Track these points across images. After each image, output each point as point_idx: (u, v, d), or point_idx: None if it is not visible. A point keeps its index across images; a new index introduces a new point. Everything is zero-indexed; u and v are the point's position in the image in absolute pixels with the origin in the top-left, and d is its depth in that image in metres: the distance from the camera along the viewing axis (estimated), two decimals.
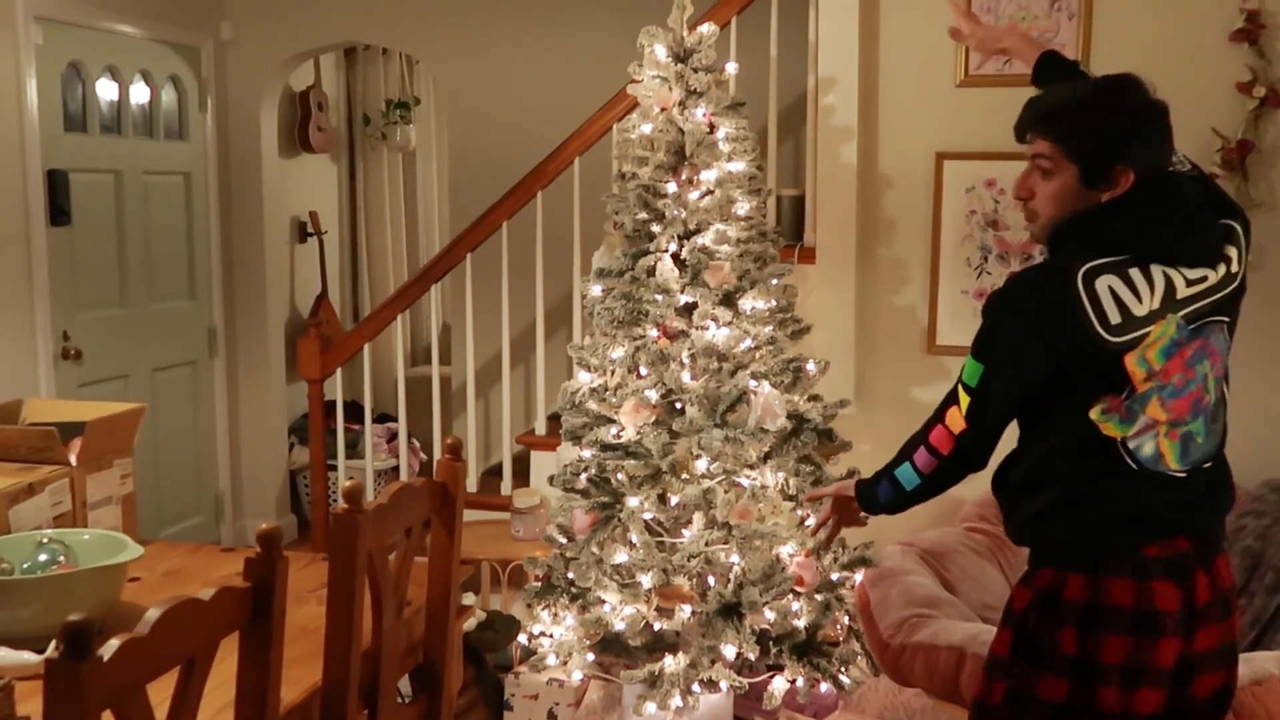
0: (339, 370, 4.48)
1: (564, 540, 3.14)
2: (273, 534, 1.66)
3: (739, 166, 3.14)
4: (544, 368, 4.11)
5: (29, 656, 1.92)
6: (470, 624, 3.31)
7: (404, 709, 2.21)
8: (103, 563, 2.06)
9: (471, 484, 4.19)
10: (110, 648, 1.40)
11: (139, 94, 4.53)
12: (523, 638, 3.32)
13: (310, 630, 2.10)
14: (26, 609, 1.98)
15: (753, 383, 3.03)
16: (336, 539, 1.88)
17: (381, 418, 5.51)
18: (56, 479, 2.39)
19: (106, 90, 4.38)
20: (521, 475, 4.12)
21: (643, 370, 3.08)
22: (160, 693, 1.52)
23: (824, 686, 2.99)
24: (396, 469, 4.66)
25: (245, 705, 1.69)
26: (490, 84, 4.80)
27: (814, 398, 3.17)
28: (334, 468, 4.57)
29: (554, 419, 3.90)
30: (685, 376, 3.05)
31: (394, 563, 2.09)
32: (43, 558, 2.12)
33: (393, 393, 4.64)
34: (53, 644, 1.38)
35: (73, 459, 2.45)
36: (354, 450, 4.98)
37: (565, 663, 3.11)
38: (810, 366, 3.16)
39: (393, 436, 5.29)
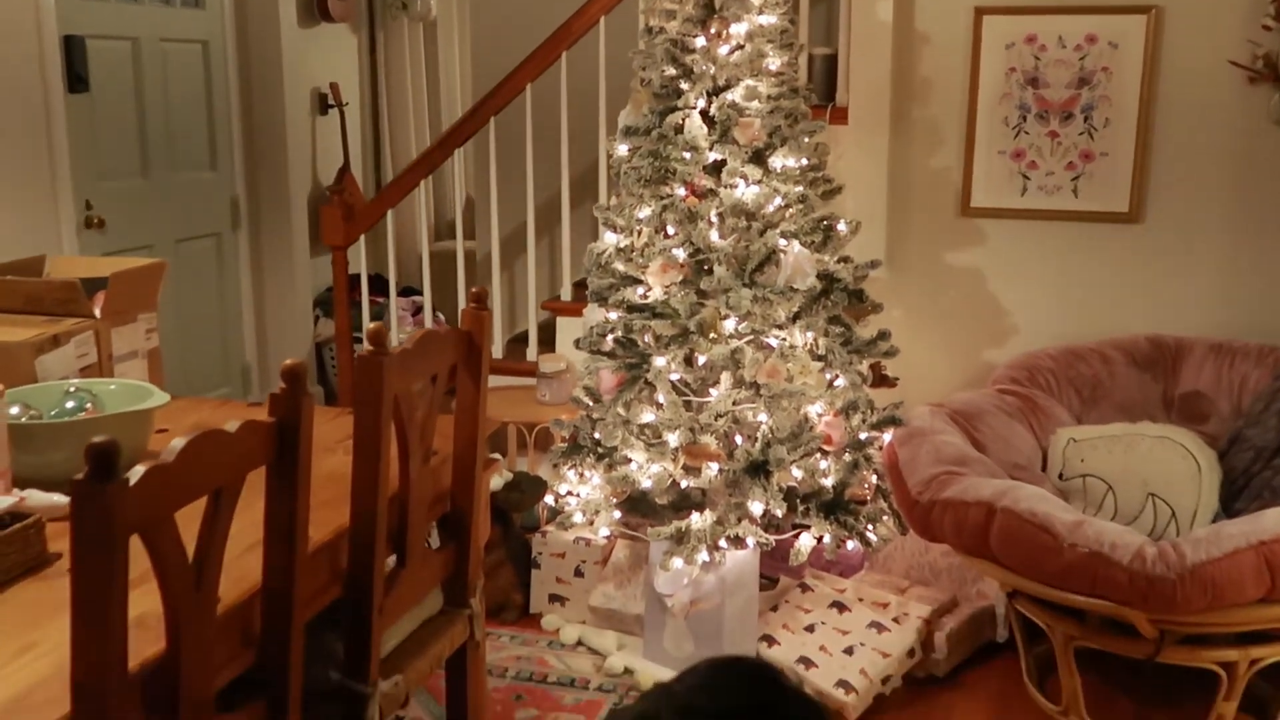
0: (362, 242, 4.44)
1: (590, 402, 3.13)
2: (297, 369, 1.65)
3: (770, 20, 3.03)
4: (569, 235, 4.06)
5: (59, 498, 1.93)
6: (497, 484, 3.32)
7: (432, 554, 2.22)
8: (129, 409, 2.06)
9: (497, 351, 4.18)
10: (136, 473, 1.39)
11: None
12: (549, 499, 3.34)
13: (338, 477, 2.10)
14: (55, 453, 1.99)
15: (782, 242, 2.97)
16: (361, 381, 1.87)
17: (406, 291, 5.48)
18: (81, 331, 2.38)
19: None
20: (547, 342, 4.10)
21: (670, 230, 3.03)
22: (189, 532, 1.52)
23: (850, 544, 2.99)
24: None
25: (273, 540, 1.70)
26: None
27: (844, 259, 3.12)
28: (359, 340, 4.56)
29: (580, 286, 3.86)
30: (713, 235, 2.99)
31: (420, 409, 2.07)
32: (70, 405, 2.12)
33: (417, 267, 4.61)
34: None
35: (97, 311, 2.44)
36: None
37: (592, 521, 3.12)
38: (841, 226, 3.09)
39: (418, 310, 5.27)
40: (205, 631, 1.56)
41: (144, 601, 1.56)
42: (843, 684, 2.86)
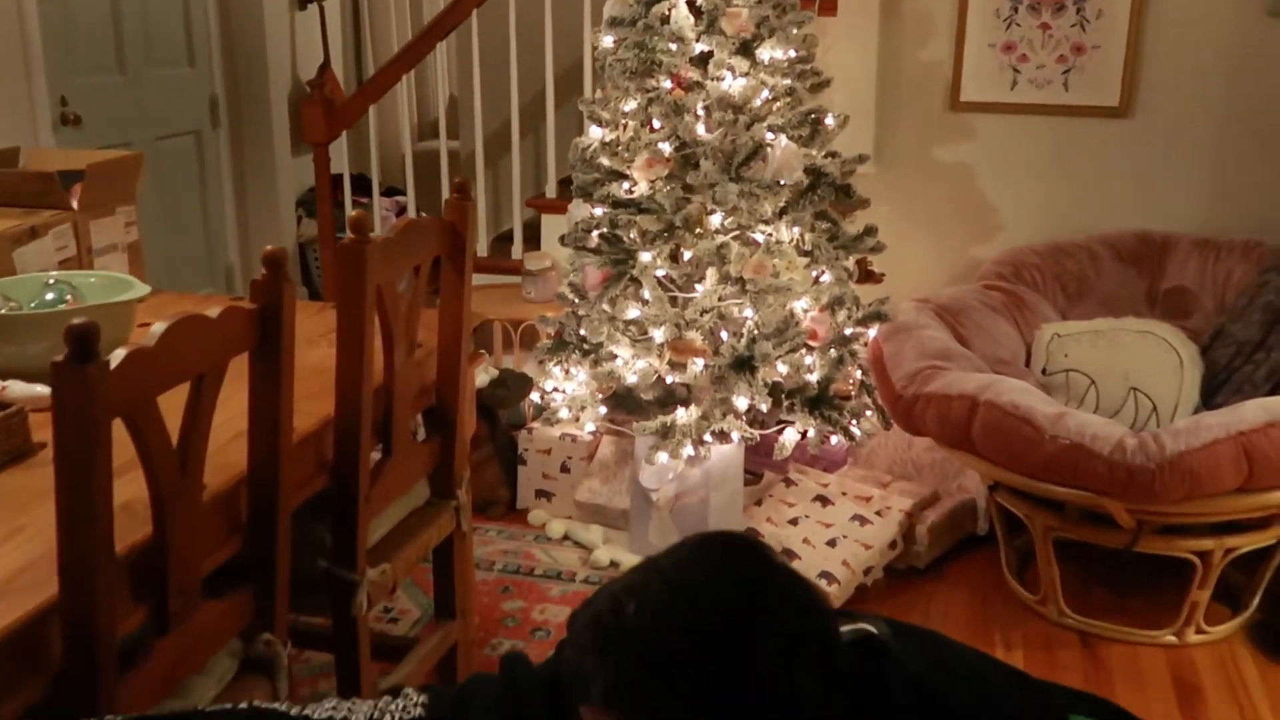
0: (344, 141, 4.37)
1: (575, 298, 3.12)
2: (278, 255, 1.63)
3: None
4: (554, 132, 4.00)
5: (41, 389, 1.92)
6: (482, 380, 3.32)
7: (418, 446, 2.23)
8: (111, 300, 2.05)
9: (482, 249, 4.16)
10: (117, 356, 1.38)
11: None
12: (535, 396, 3.35)
13: (322, 369, 2.09)
14: (36, 344, 1.97)
15: (769, 135, 2.94)
16: (344, 269, 1.85)
17: (389, 191, 5.42)
18: (59, 223, 2.35)
19: None
20: (532, 240, 4.07)
21: (656, 123, 2.99)
22: (172, 421, 1.52)
23: (834, 439, 3.02)
24: None
25: (258, 428, 1.70)
26: None
27: (832, 153, 3.09)
28: (342, 240, 4.51)
29: (565, 183, 3.82)
30: (700, 129, 2.95)
31: (403, 300, 2.06)
32: (49, 296, 2.10)
33: (400, 166, 4.55)
34: None
35: (74, 204, 2.41)
36: None
37: (577, 417, 3.14)
38: (829, 120, 3.05)
39: (401, 210, 5.21)
40: (191, 517, 1.56)
41: (130, 489, 1.56)
42: (825, 575, 2.90)
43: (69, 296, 2.09)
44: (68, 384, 1.30)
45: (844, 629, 1.15)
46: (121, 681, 1.49)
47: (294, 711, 1.22)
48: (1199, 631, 2.82)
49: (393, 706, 1.21)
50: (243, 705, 1.29)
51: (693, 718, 0.99)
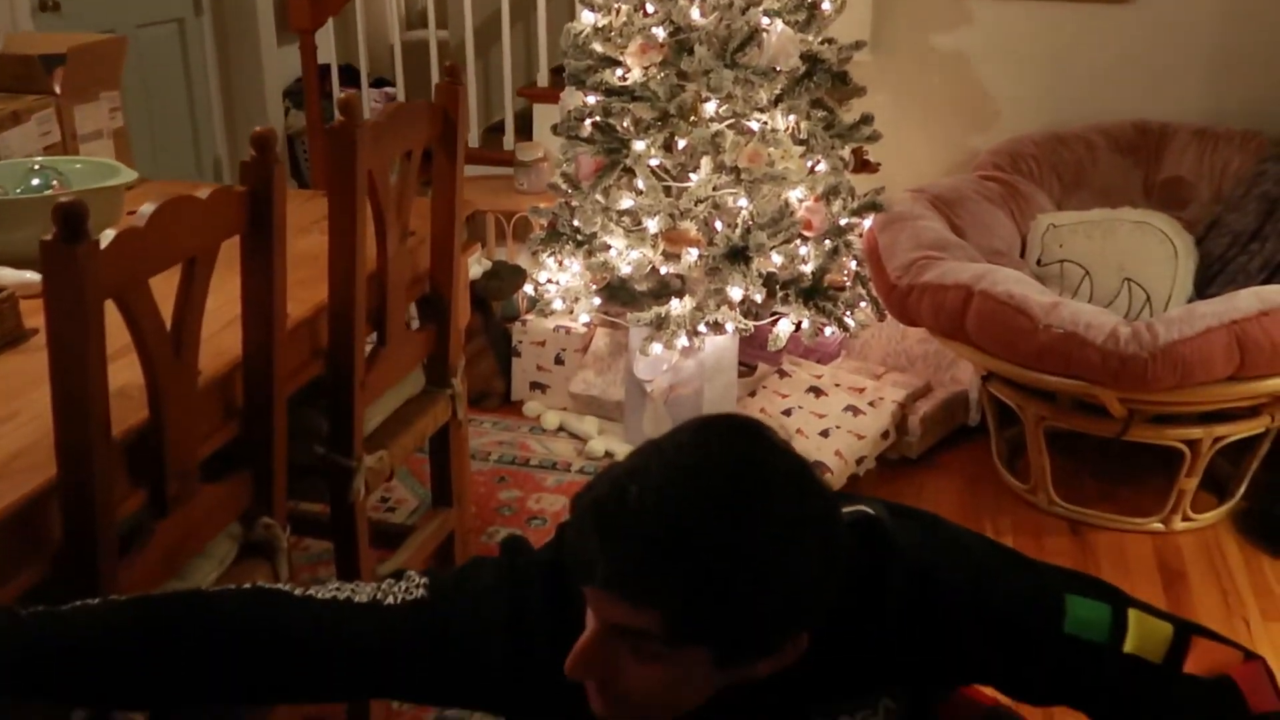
0: (331, 29, 4.28)
1: (569, 188, 3.09)
2: (266, 136, 1.60)
3: None
4: (546, 19, 3.92)
5: (31, 275, 1.90)
6: (476, 272, 3.31)
7: (412, 334, 2.22)
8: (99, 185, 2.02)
9: (474, 140, 4.10)
10: (107, 236, 1.37)
11: None
12: (529, 288, 3.33)
13: (314, 256, 2.07)
14: (22, 230, 1.95)
15: (765, 20, 2.88)
16: (334, 152, 1.83)
17: (378, 82, 5.32)
18: (42, 108, 2.31)
19: None
20: (524, 131, 4.02)
21: (649, 7, 2.92)
22: (165, 307, 1.51)
23: (828, 330, 3.01)
24: None
25: (251, 314, 1.69)
26: None
27: (828, 40, 3.03)
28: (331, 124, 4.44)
29: (556, 72, 3.75)
30: (694, 13, 2.89)
31: (394, 186, 2.04)
32: (35, 182, 2.07)
33: (389, 57, 4.46)
34: None
35: (56, 88, 2.36)
36: None
37: (571, 309, 3.13)
38: (826, 5, 2.99)
39: (390, 101, 5.14)
40: (187, 400, 1.56)
41: (125, 374, 1.56)
42: (819, 465, 2.93)
43: (55, 182, 2.06)
44: (57, 263, 1.28)
45: (843, 510, 1.15)
46: (122, 564, 1.50)
47: (297, 592, 1.22)
48: (1185, 519, 2.86)
49: (395, 588, 1.21)
50: (246, 585, 1.30)
51: (695, 600, 0.99)
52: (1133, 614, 1.18)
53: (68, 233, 1.27)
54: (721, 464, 1.02)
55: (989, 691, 1.50)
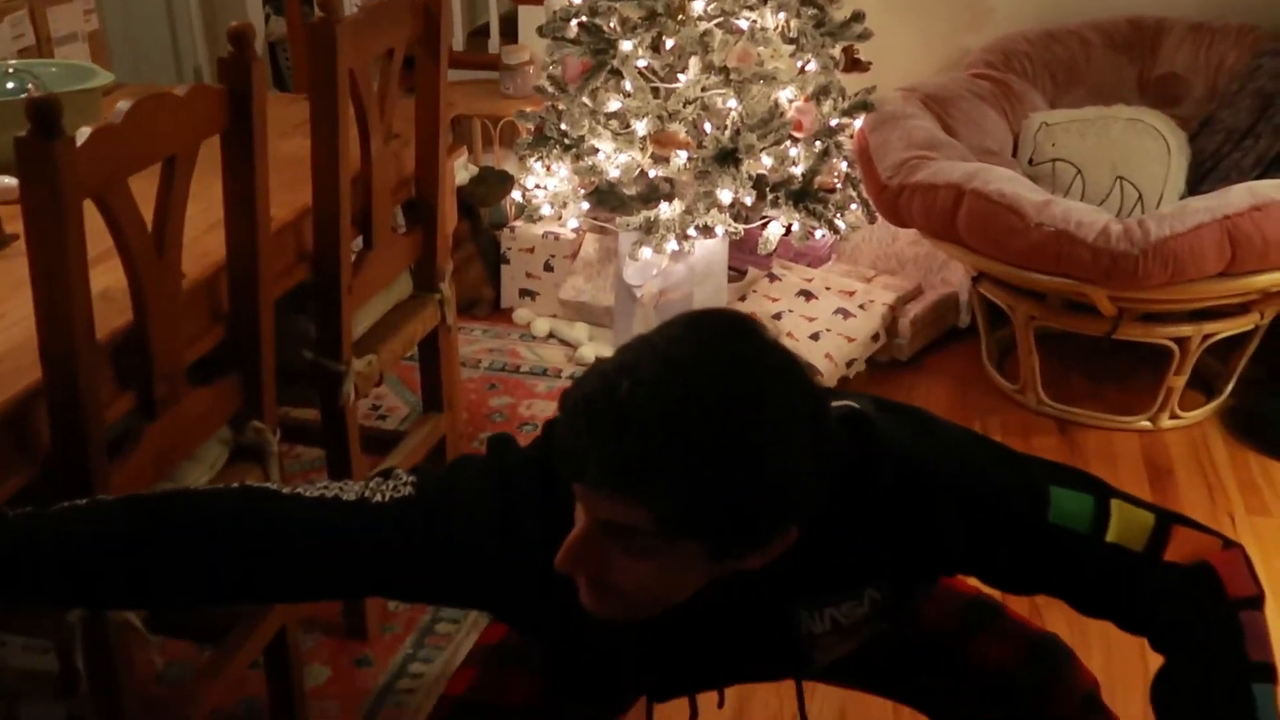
0: None
1: (555, 91, 3.04)
2: (244, 31, 1.57)
3: None
4: None
5: (9, 180, 1.87)
6: (463, 178, 3.27)
7: (399, 238, 2.20)
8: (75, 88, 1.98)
9: (458, 44, 4.03)
10: (83, 134, 1.34)
11: None
12: (516, 194, 3.30)
13: (298, 160, 2.04)
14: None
15: None
16: (315, 48, 1.79)
17: None
18: (14, 10, 2.26)
19: None
20: (509, 34, 3.94)
21: None
22: (147, 214, 1.49)
23: (819, 233, 2.99)
24: None
25: (234, 215, 1.67)
26: None
27: None
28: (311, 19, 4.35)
29: None
30: None
31: (377, 86, 2.00)
32: (10, 86, 2.03)
33: None
34: None
35: None
36: None
37: (560, 215, 3.10)
38: None
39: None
40: (171, 303, 1.55)
41: (108, 277, 1.55)
42: (808, 368, 2.93)
43: (30, 85, 2.01)
44: (34, 161, 1.26)
45: (831, 405, 1.15)
46: (112, 467, 1.50)
47: (285, 490, 1.22)
48: (1173, 417, 2.88)
49: (383, 487, 1.21)
50: (235, 485, 1.30)
51: (687, 495, 0.98)
52: (1115, 504, 1.20)
53: (42, 129, 1.25)
54: (713, 358, 1.01)
55: (971, 581, 1.52)
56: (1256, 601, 1.17)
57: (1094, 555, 1.18)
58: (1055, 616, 2.12)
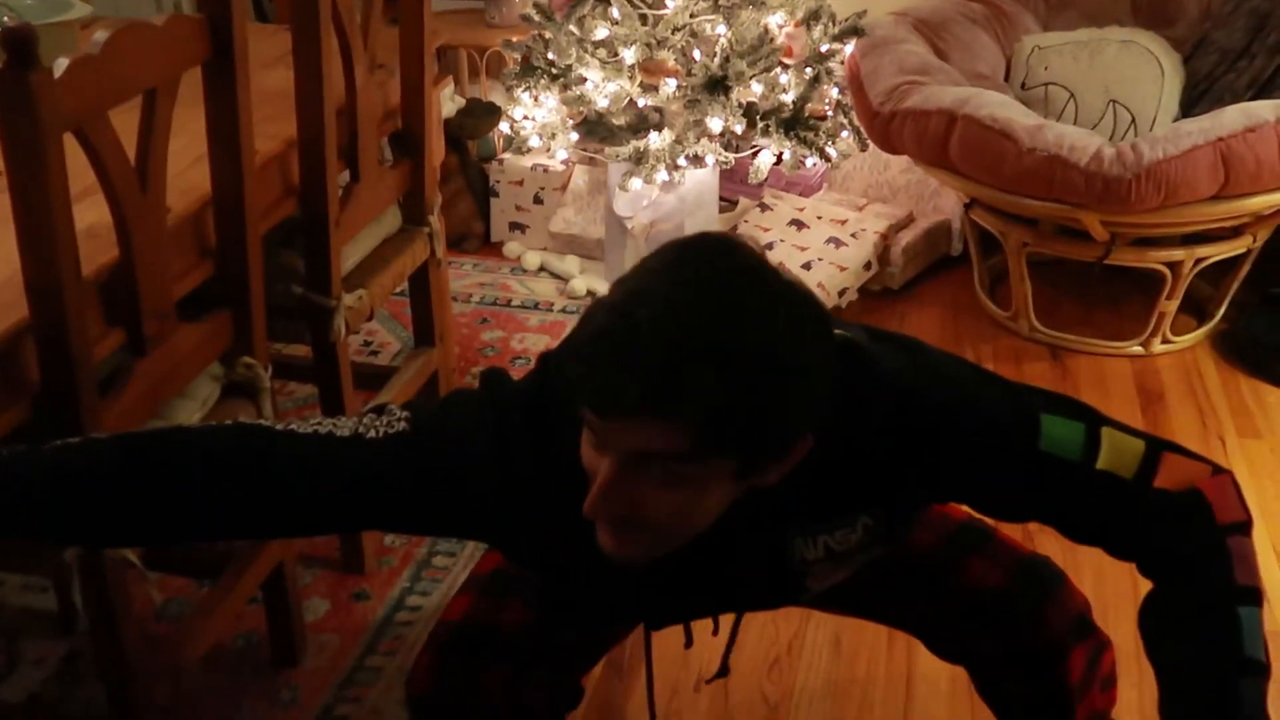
0: None
1: (542, 20, 2.99)
2: None
3: None
4: None
5: None
6: (450, 110, 3.23)
7: (386, 171, 2.18)
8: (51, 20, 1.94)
9: None
10: (60, 65, 1.31)
11: None
12: (504, 126, 3.26)
13: (281, 92, 2.01)
14: None
15: None
16: None
17: None
18: None
19: None
20: None
21: None
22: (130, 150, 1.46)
23: (810, 161, 2.97)
24: None
25: (218, 147, 1.65)
26: None
27: None
28: None
29: None
30: None
31: (360, 15, 1.96)
32: None
33: None
34: None
35: None
36: None
37: (549, 146, 3.06)
38: None
39: None
40: (157, 238, 1.53)
41: (92, 213, 1.53)
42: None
43: (6, 17, 1.97)
44: (10, 92, 1.23)
45: None
46: (102, 404, 1.49)
47: (279, 427, 1.22)
48: (1165, 341, 2.88)
49: (377, 422, 1.21)
50: (228, 422, 1.30)
51: (723, 406, 0.98)
52: (1106, 432, 1.20)
53: (18, 59, 1.22)
54: (719, 272, 1.01)
55: (962, 507, 1.53)
56: (1244, 527, 1.18)
57: (1084, 483, 1.19)
58: (1047, 540, 2.14)
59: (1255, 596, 1.14)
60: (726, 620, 1.59)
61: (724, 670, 1.57)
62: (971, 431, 1.18)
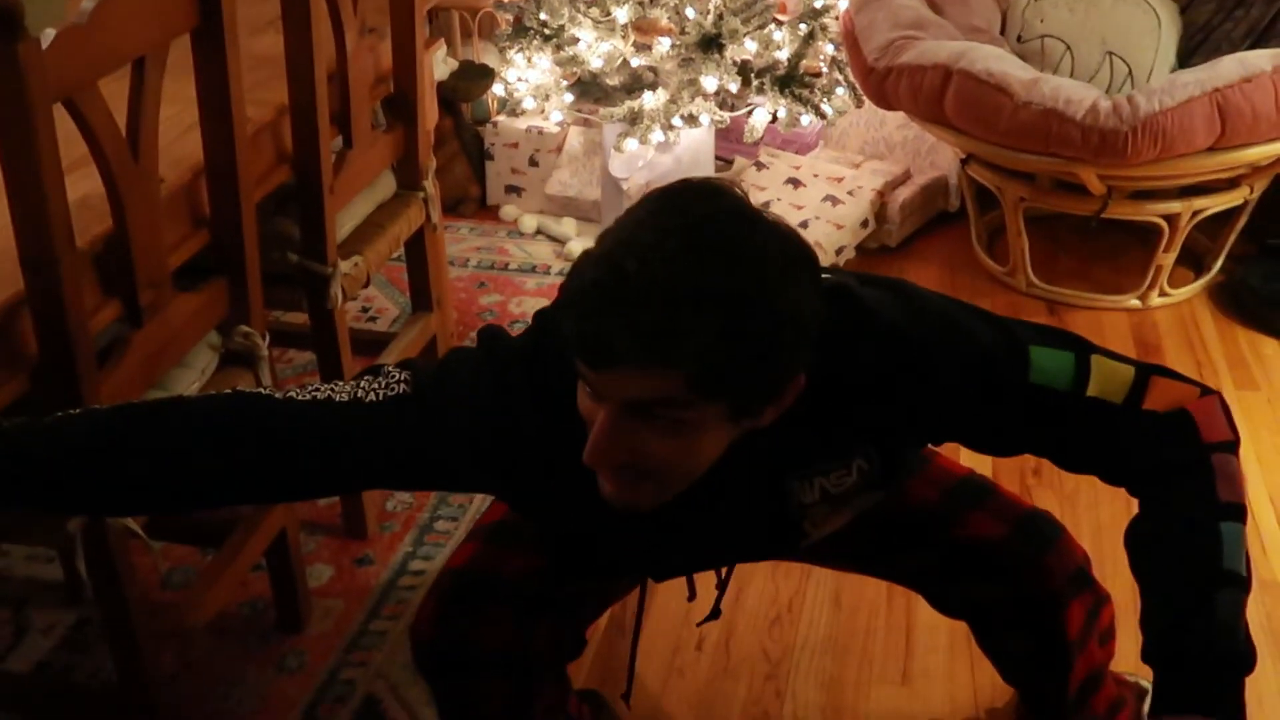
0: None
1: None
2: None
3: None
4: None
5: None
6: (443, 73, 3.21)
7: (380, 136, 2.17)
8: None
9: None
10: (48, 36, 1.31)
11: None
12: (498, 88, 3.24)
13: (271, 58, 2.00)
14: None
15: None
16: None
17: None
18: None
19: None
20: None
21: None
22: (120, 120, 1.45)
23: (805, 119, 2.95)
24: None
25: (209, 115, 1.64)
26: None
27: None
28: None
29: None
30: None
31: None
32: None
33: None
34: None
35: None
36: None
37: (543, 108, 3.05)
38: None
39: None
40: (150, 208, 1.53)
41: (85, 184, 1.52)
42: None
43: None
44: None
45: None
46: (101, 375, 1.49)
47: (278, 394, 1.22)
48: (1162, 294, 2.88)
49: (375, 385, 1.21)
50: (227, 391, 1.30)
51: (717, 349, 0.98)
52: (1095, 359, 1.21)
53: (5, 30, 1.21)
54: (706, 216, 1.02)
55: (962, 462, 1.53)
56: (1231, 446, 1.20)
57: (1075, 411, 1.20)
58: (1046, 495, 2.15)
59: (1238, 513, 1.15)
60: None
61: (715, 613, 1.59)
62: (961, 366, 1.19)
